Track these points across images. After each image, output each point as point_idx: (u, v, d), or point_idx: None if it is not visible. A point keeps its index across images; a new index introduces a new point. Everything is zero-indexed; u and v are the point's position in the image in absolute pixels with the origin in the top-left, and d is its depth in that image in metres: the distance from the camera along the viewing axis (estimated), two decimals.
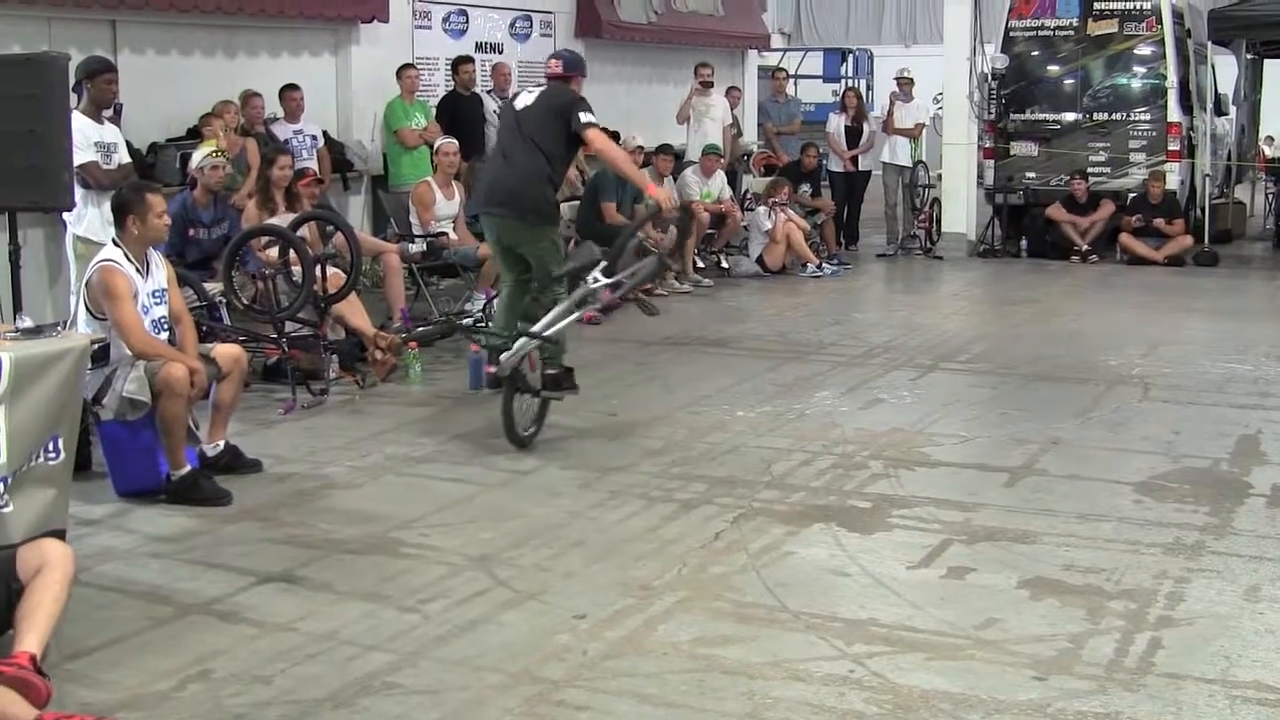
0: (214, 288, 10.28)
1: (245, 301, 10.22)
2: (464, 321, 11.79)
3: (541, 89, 9.30)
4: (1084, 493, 7.74)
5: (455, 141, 13.44)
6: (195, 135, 13.03)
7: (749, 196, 18.28)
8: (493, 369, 8.79)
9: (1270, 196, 21.55)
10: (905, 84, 19.41)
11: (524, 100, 9.24)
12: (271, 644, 5.54)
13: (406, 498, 7.65)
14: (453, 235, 12.83)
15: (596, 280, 8.96)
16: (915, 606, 5.94)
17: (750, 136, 22.04)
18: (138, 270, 7.56)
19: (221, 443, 8.02)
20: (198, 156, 10.96)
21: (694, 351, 11.98)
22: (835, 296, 15.44)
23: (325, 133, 14.92)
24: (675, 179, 16.14)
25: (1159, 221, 17.98)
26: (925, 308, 15.26)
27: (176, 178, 12.17)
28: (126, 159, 10.44)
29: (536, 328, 8.67)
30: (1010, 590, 6.15)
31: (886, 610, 5.91)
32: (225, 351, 8.08)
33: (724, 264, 16.98)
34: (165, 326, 7.74)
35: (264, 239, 10.52)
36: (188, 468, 7.52)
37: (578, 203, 15.43)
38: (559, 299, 8.89)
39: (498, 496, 7.70)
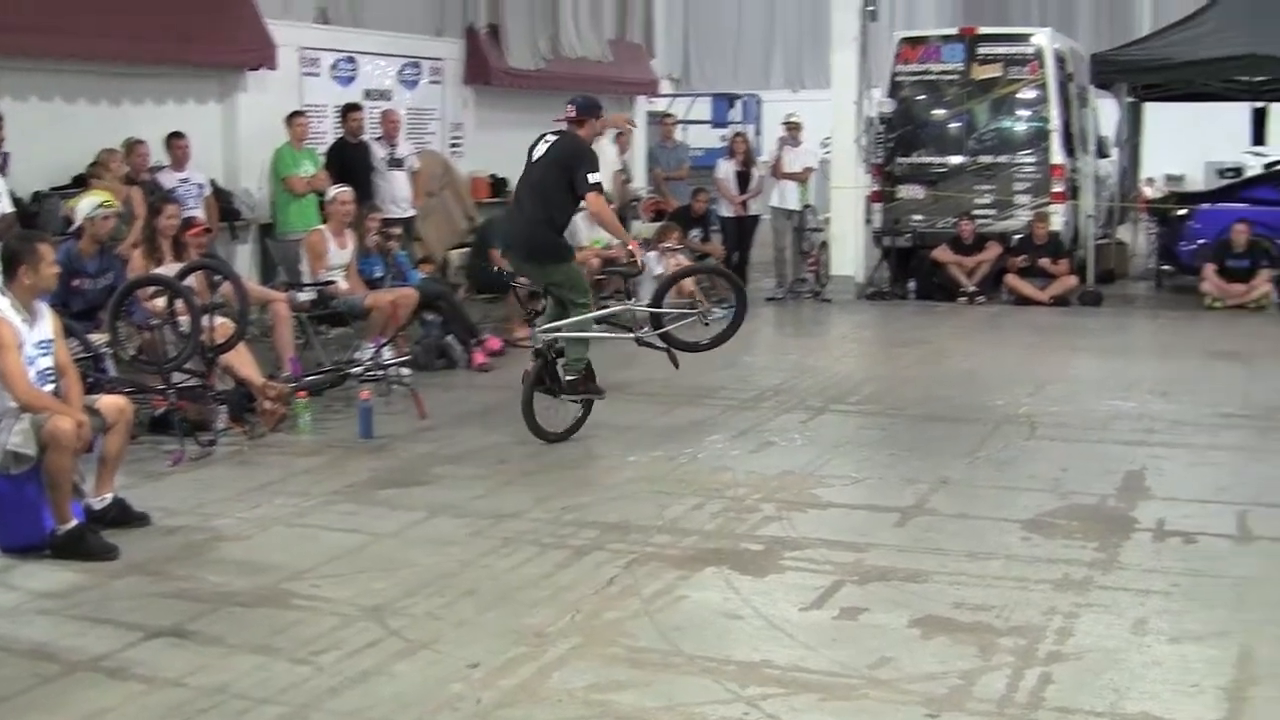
0: (99, 338, 10.15)
1: (132, 352, 10.11)
2: (353, 370, 11.72)
3: (555, 138, 10.28)
4: (973, 531, 7.81)
5: (351, 190, 13.32)
6: (81, 184, 12.91)
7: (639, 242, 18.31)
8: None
9: (1152, 236, 21.86)
10: (793, 128, 19.51)
11: (539, 150, 10.28)
12: (162, 700, 5.47)
13: (297, 549, 7.58)
14: (342, 284, 12.74)
15: (637, 305, 10.83)
16: (808, 647, 5.97)
17: (639, 182, 22.13)
18: (24, 320, 7.47)
19: (109, 496, 7.91)
20: (86, 206, 10.83)
21: None
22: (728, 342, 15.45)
23: (212, 181, 14.82)
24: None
25: (1044, 262, 18.24)
26: (815, 350, 15.36)
27: (60, 226, 12.02)
28: (9, 208, 10.31)
29: (565, 321, 10.17)
30: (902, 629, 6.19)
31: (780, 652, 5.93)
32: (110, 403, 7.98)
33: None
34: (51, 378, 7.63)
35: (150, 289, 10.42)
36: (74, 522, 7.41)
37: (468, 249, 15.43)
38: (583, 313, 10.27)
39: (389, 546, 7.64)
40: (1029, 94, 18.91)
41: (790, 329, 17.52)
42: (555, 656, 5.89)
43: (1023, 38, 19.42)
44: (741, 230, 19.46)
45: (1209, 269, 18.14)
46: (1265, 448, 10.04)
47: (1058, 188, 18.75)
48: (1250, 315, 17.46)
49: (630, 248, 10.80)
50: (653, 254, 16.81)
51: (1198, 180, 29.58)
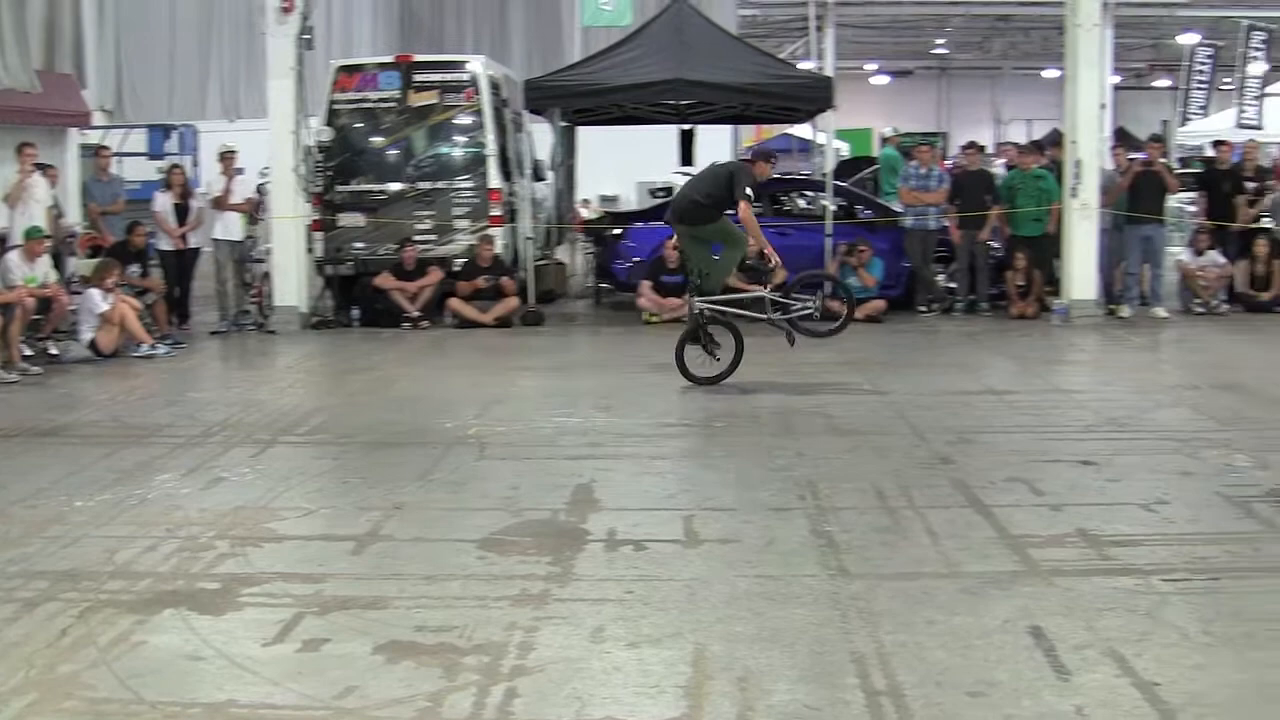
0: None
1: None
2: None
3: (734, 160, 14.55)
4: (430, 554, 7.85)
5: None
6: None
7: (75, 279, 17.67)
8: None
9: (589, 256, 22.57)
10: (229, 158, 19.22)
11: (717, 161, 15.19)
12: None
13: None
14: None
15: (769, 294, 13.63)
16: (274, 683, 5.87)
17: (74, 217, 21.34)
18: None
19: None
20: None
21: (26, 443, 11.44)
22: (170, 377, 15.12)
23: None
24: None
25: (505, 281, 18.54)
26: (262, 383, 15.15)
27: None
28: None
29: (714, 300, 13.72)
30: (366, 657, 6.16)
31: (245, 690, 5.81)
32: None
33: (53, 350, 16.31)
34: None
35: None
36: None
37: None
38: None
39: None
40: (465, 120, 19.26)
41: (236, 362, 17.23)
42: (10, 717, 5.59)
43: (458, 65, 19.75)
44: (182, 263, 19.07)
45: (644, 285, 18.86)
46: (706, 454, 10.49)
47: (496, 211, 19.13)
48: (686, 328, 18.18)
49: (766, 252, 13.47)
50: (95, 291, 16.22)
51: (631, 200, 30.75)
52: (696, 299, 13.62)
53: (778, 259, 13.54)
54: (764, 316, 13.65)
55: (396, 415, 12.30)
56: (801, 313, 13.72)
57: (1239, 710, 5.54)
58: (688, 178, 14.94)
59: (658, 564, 7.58)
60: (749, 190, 13.24)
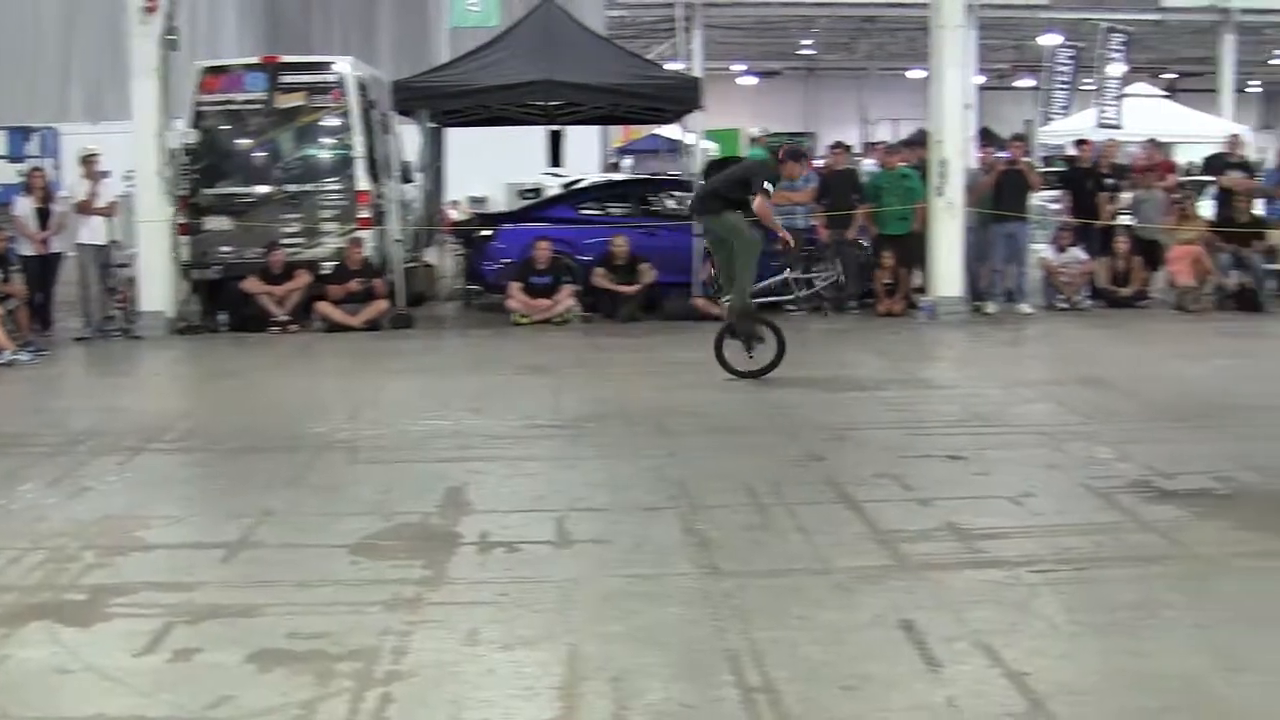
0: None
1: None
2: None
3: (756, 158, 15.36)
4: (301, 560, 7.78)
5: None
6: None
7: None
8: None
9: (459, 258, 22.52)
10: (92, 161, 18.93)
11: (741, 161, 17.17)
12: None
13: None
14: None
15: (790, 273, 15.08)
16: (144, 695, 5.79)
17: None
18: None
19: None
20: None
21: None
22: (33, 384, 14.86)
23: None
24: None
25: (378, 283, 18.46)
26: (128, 389, 14.96)
27: None
28: None
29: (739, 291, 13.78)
30: (238, 665, 6.09)
31: (115, 702, 5.72)
32: None
33: None
34: None
35: None
36: None
37: None
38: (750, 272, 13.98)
39: None
40: (332, 122, 19.11)
41: (101, 369, 16.96)
42: None
43: (324, 66, 19.60)
44: (44, 269, 18.75)
45: (514, 287, 18.85)
46: (577, 455, 10.50)
47: (364, 213, 19.01)
48: (555, 329, 18.24)
49: (783, 236, 13.90)
50: None
51: (500, 201, 30.68)
52: (726, 300, 14.02)
53: (791, 241, 14.31)
54: (792, 297, 14.41)
55: (265, 420, 12.20)
56: (828, 282, 14.65)
57: (1106, 697, 5.64)
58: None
59: (530, 566, 7.57)
60: (767, 186, 13.62)
